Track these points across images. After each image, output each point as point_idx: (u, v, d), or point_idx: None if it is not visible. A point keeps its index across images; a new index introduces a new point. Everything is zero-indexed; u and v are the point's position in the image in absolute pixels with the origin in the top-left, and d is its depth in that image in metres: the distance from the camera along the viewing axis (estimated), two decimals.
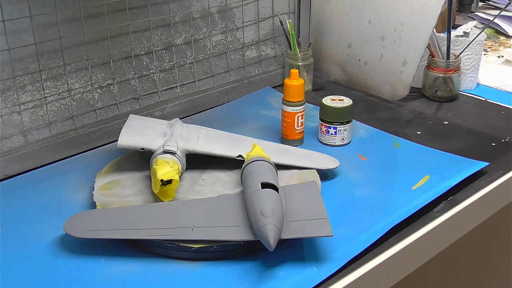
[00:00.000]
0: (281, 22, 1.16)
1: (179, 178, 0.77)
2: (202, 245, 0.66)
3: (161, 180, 0.73)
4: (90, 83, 0.96)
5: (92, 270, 0.66)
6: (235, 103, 1.13)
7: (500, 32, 1.52)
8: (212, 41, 1.11)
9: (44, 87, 0.91)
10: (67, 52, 0.92)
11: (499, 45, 1.44)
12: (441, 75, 1.11)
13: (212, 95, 1.12)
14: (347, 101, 0.94)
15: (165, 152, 0.79)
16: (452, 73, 1.10)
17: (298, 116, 0.92)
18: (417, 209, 0.76)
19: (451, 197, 0.80)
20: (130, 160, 0.86)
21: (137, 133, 0.84)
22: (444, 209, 0.78)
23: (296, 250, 0.68)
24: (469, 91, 1.17)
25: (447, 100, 1.12)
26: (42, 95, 0.91)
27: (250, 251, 0.68)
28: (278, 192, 0.69)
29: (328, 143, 0.94)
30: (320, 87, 1.20)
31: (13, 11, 0.84)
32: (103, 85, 0.98)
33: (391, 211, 0.76)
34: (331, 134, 0.93)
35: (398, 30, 1.07)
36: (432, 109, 1.09)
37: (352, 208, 0.77)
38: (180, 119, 0.94)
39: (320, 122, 0.94)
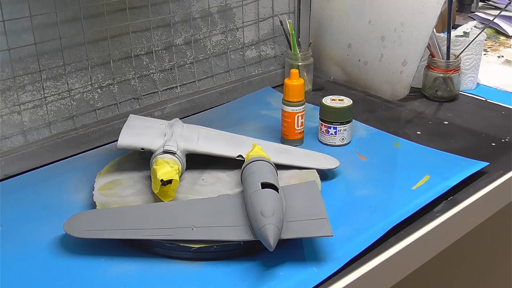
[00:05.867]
0: (281, 22, 1.16)
1: (179, 178, 0.77)
2: (202, 245, 0.66)
3: (161, 180, 0.73)
4: (90, 83, 0.96)
5: (92, 270, 0.66)
6: (235, 103, 1.13)
7: (500, 32, 1.52)
8: (212, 41, 1.11)
9: (44, 87, 0.91)
10: (67, 52, 0.92)
11: (499, 45, 1.44)
12: (441, 75, 1.10)
13: (212, 95, 1.11)
14: (347, 101, 0.94)
15: (165, 152, 0.79)
16: (452, 73, 1.10)
17: (298, 116, 0.92)
18: (417, 209, 0.76)
19: (451, 197, 0.80)
20: (130, 160, 0.86)
21: (137, 133, 0.84)
22: (444, 209, 0.78)
23: (296, 250, 0.68)
24: (469, 91, 1.17)
25: (447, 100, 1.12)
26: (42, 95, 0.91)
27: (250, 251, 0.68)
28: (278, 192, 0.69)
29: (328, 143, 0.94)
30: (320, 87, 1.20)
31: (13, 11, 0.84)
32: (103, 85, 0.98)
33: (391, 211, 0.76)
34: (331, 134, 0.93)
35: (398, 30, 1.07)
36: (432, 109, 1.09)
37: (352, 208, 0.77)
38: (180, 119, 0.94)
39: (320, 122, 0.94)
